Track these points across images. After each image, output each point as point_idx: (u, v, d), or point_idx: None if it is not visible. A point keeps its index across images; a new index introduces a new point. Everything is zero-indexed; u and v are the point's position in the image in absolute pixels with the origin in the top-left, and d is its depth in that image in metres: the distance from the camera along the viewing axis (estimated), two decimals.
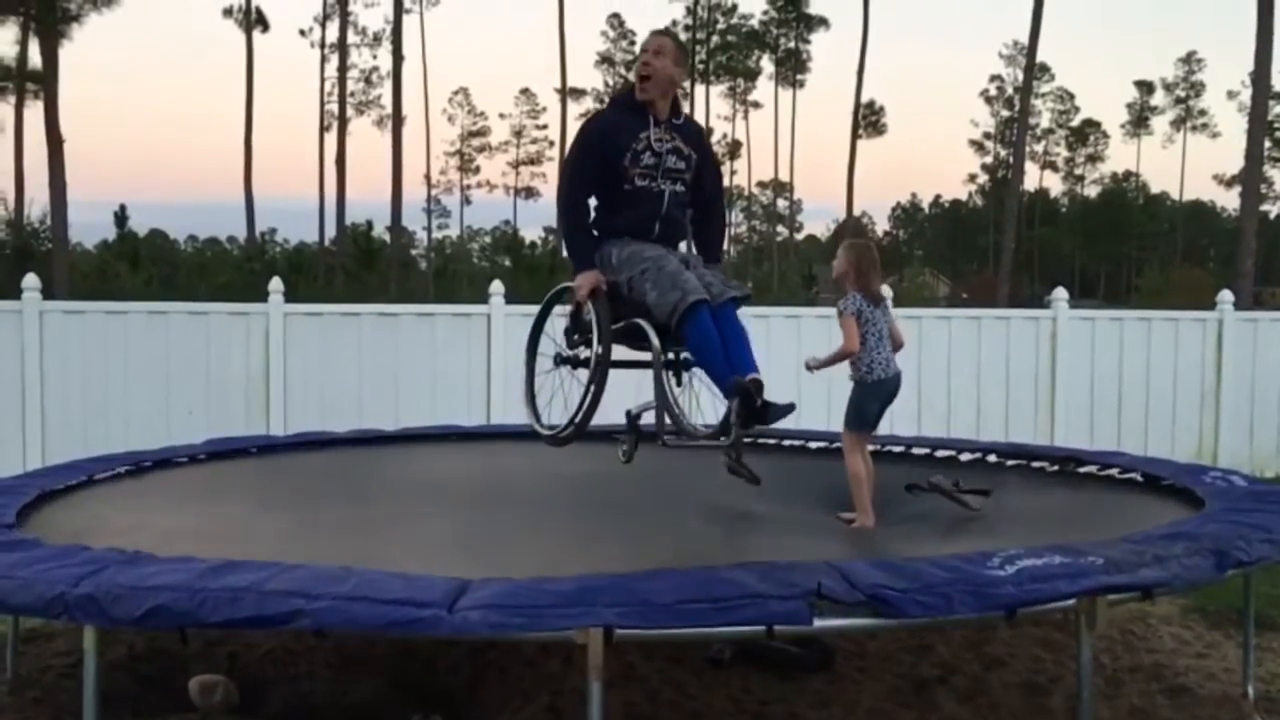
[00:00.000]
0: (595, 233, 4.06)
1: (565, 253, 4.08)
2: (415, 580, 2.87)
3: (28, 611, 3.12)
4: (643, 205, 4.00)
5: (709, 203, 4.25)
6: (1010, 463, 5.65)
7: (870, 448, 5.17)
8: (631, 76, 4.12)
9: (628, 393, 4.01)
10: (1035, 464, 5.59)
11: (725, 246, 4.27)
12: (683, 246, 4.25)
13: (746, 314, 9.52)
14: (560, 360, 4.05)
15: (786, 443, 6.23)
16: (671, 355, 4.12)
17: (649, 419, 4.04)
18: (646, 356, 3.94)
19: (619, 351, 3.93)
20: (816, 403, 8.41)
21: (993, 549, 3.11)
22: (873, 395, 4.80)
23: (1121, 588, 3.02)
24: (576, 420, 3.88)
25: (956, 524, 4.32)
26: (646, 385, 3.99)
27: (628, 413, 3.71)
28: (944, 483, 4.69)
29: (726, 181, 69.68)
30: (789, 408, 3.61)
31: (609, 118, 4.11)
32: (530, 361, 4.15)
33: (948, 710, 3.86)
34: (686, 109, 4.22)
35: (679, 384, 4.18)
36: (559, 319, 4.32)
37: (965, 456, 5.81)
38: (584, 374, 3.99)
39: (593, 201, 4.09)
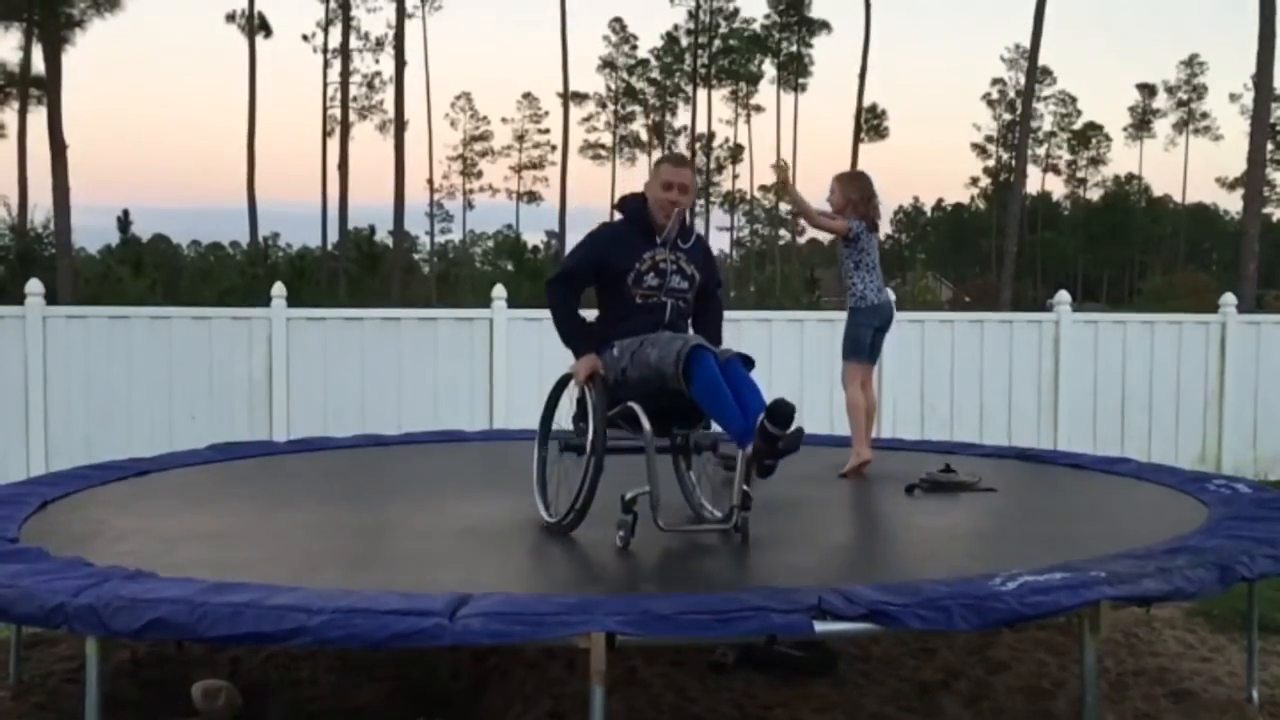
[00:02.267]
0: (591, 325, 4.11)
1: (561, 340, 4.08)
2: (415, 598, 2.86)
3: (29, 621, 3.13)
4: (646, 317, 4.06)
5: (709, 298, 4.30)
6: (1013, 467, 5.64)
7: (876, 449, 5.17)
8: (654, 197, 4.10)
9: (634, 478, 3.99)
10: (1039, 469, 5.59)
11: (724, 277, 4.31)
12: None
13: (749, 318, 9.54)
14: (565, 447, 4.07)
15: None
16: (679, 439, 4.13)
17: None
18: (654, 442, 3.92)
19: (621, 437, 3.93)
20: (819, 402, 8.42)
21: (994, 570, 3.10)
22: (866, 321, 4.82)
23: (1123, 599, 3.03)
24: (577, 506, 3.89)
25: (959, 538, 4.30)
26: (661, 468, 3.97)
27: (622, 497, 3.71)
28: (938, 476, 4.68)
29: (729, 186, 70.06)
30: (798, 434, 3.62)
31: (620, 231, 4.13)
32: (540, 450, 4.16)
33: (951, 714, 3.85)
34: (694, 226, 4.28)
35: (688, 466, 4.17)
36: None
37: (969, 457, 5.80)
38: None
39: (589, 313, 4.14)
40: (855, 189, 4.87)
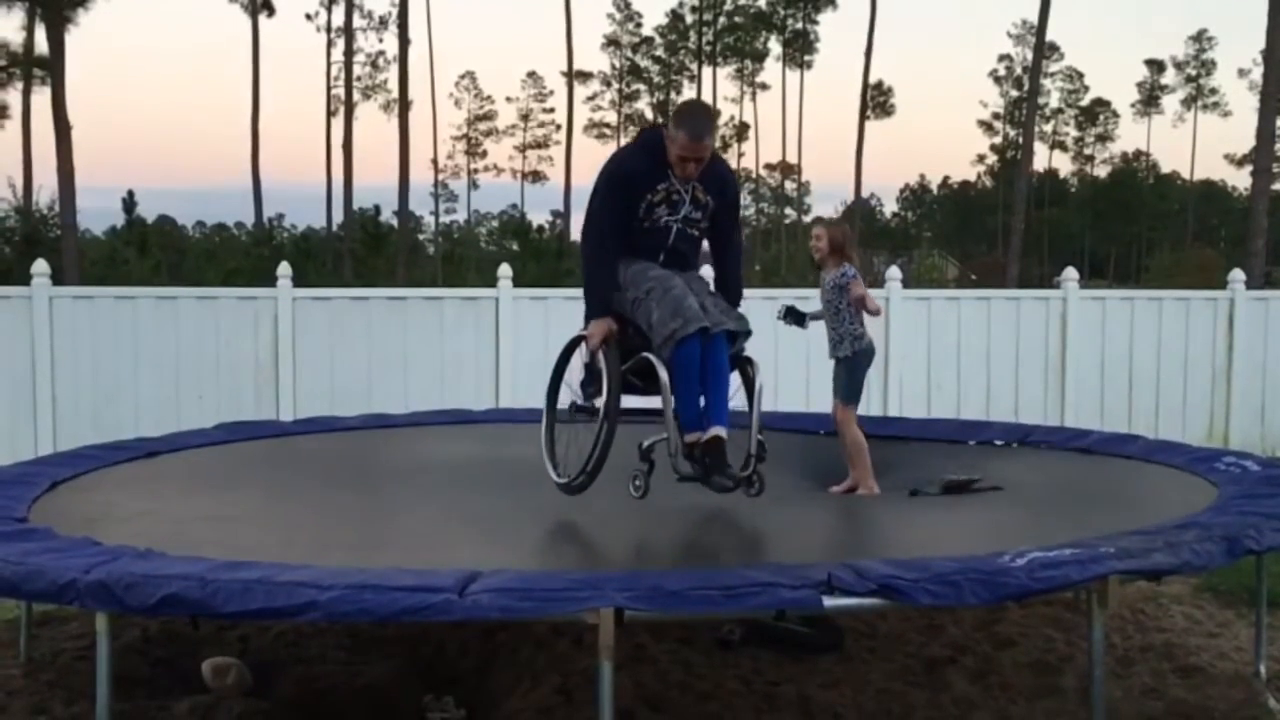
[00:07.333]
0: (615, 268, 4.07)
1: (582, 293, 4.05)
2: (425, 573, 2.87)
3: (41, 598, 3.14)
4: (649, 240, 4.05)
5: (726, 242, 4.27)
6: (1024, 447, 5.62)
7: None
8: (673, 156, 4.02)
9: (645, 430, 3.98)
10: (1049, 449, 5.57)
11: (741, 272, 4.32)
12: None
13: (756, 296, 9.52)
14: (576, 409, 4.05)
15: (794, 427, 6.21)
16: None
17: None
18: (658, 403, 3.93)
19: (631, 401, 3.92)
20: (825, 381, 8.37)
21: (1005, 549, 3.10)
22: (865, 364, 4.97)
23: (1131, 573, 3.03)
24: (589, 469, 3.88)
25: (969, 518, 4.29)
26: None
27: (640, 445, 3.72)
28: (951, 480, 4.68)
29: (734, 164, 69.66)
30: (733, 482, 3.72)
31: (634, 163, 4.10)
32: (549, 411, 4.15)
33: (958, 690, 3.86)
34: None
35: None
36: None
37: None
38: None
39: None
40: (841, 233, 5.17)
